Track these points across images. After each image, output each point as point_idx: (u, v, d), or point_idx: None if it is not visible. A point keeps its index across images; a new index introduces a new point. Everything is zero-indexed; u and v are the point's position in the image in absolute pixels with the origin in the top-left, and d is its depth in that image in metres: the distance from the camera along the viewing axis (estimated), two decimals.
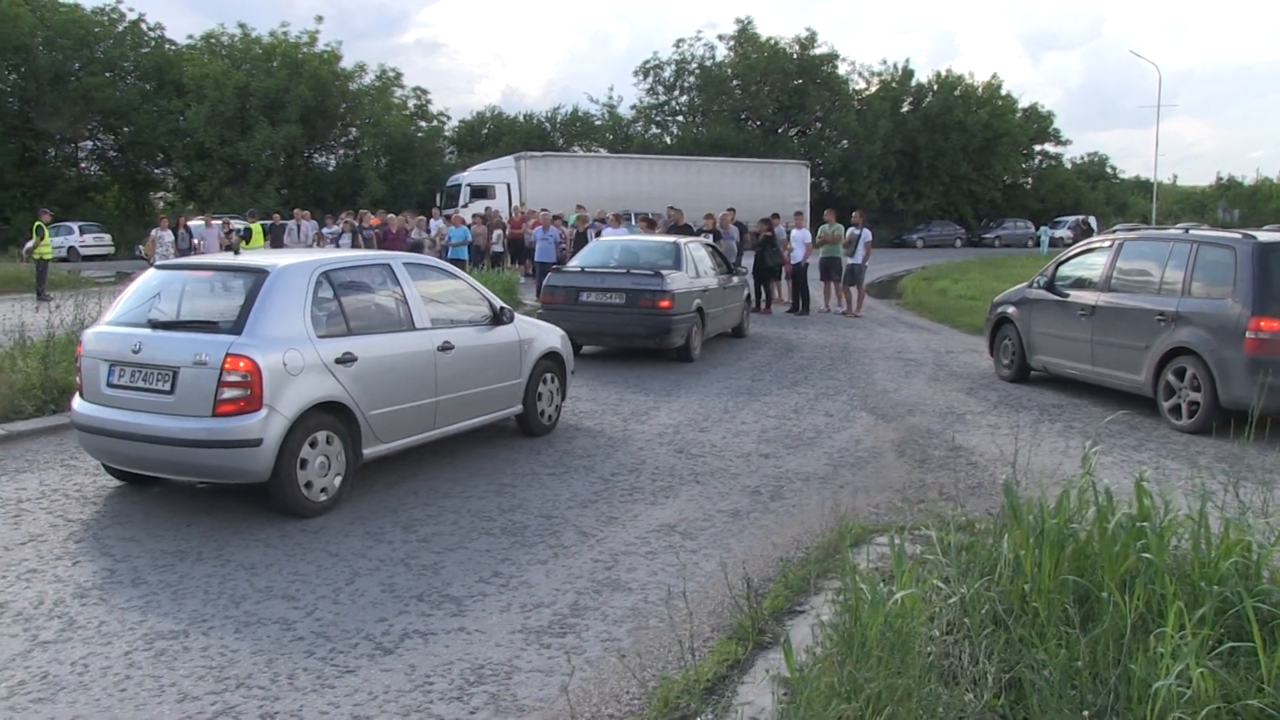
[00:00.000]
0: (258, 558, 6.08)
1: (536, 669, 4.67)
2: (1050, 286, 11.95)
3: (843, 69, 66.13)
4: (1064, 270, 11.99)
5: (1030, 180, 72.11)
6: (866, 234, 20.32)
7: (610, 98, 71.28)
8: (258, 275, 6.95)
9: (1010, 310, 12.70)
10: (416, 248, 21.50)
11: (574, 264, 15.07)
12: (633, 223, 24.38)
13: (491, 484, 7.76)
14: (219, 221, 25.66)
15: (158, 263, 8.43)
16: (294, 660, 4.74)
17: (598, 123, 64.10)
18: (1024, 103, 69.85)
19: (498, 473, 8.09)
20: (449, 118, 60.91)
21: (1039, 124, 70.57)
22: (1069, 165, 75.09)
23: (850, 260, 20.14)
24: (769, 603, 5.26)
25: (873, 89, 66.40)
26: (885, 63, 76.08)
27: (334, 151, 55.95)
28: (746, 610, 5.04)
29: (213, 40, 54.17)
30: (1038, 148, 72.06)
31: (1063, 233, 52.26)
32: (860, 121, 61.79)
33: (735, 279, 16.39)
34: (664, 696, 4.27)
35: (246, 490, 6.93)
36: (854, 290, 20.51)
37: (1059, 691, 3.62)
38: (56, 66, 48.18)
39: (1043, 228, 53.46)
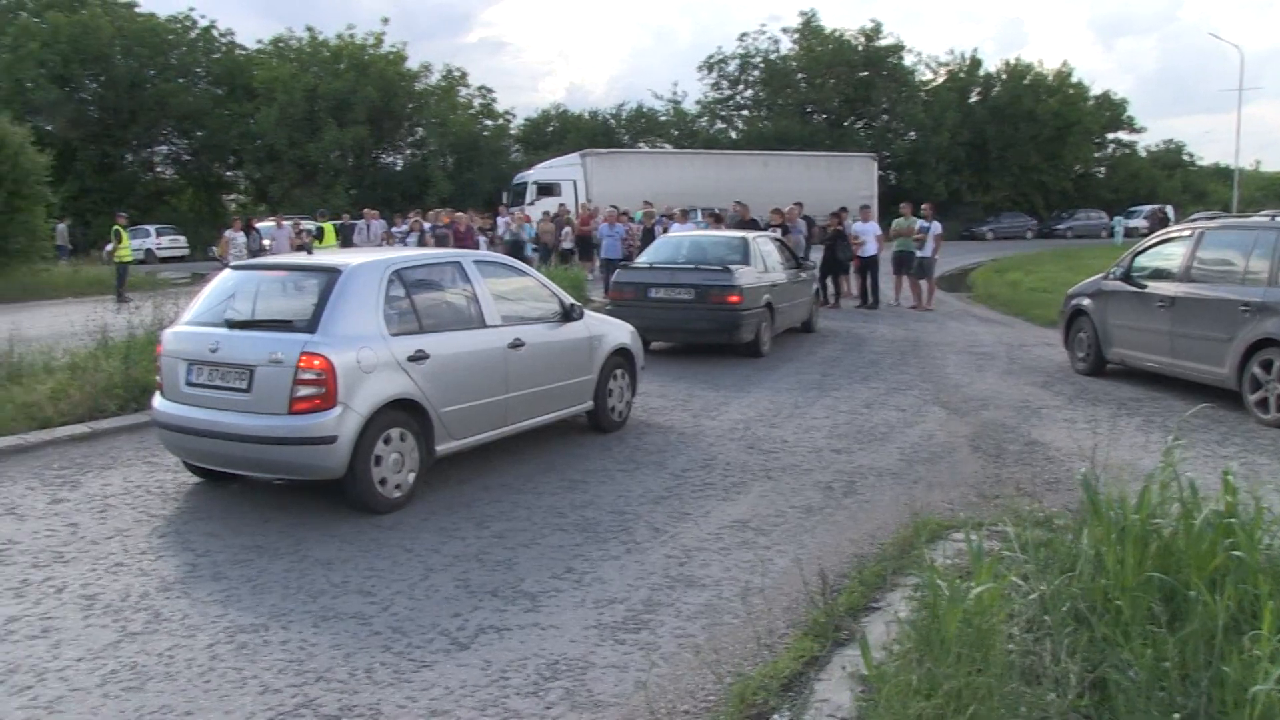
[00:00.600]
0: (334, 553, 6.17)
1: (611, 664, 4.67)
2: (1127, 278, 11.72)
3: (909, 60, 65.53)
4: (1141, 261, 11.75)
5: (1103, 170, 70.75)
6: (936, 226, 20.10)
7: (674, 93, 71.28)
8: (330, 274, 7.03)
9: (1085, 302, 12.47)
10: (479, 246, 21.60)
11: (642, 260, 15.07)
12: (699, 218, 24.30)
13: (563, 480, 7.79)
14: (289, 222, 26.05)
15: (233, 263, 8.58)
16: (371, 654, 4.79)
17: (662, 119, 64.14)
18: (1096, 90, 68.58)
19: (569, 469, 8.11)
20: (514, 116, 61.39)
21: (1111, 112, 69.13)
22: (1144, 153, 73.54)
23: (920, 253, 19.92)
24: (845, 599, 5.20)
25: (940, 80, 65.62)
26: (952, 53, 75.01)
27: (401, 151, 56.62)
28: (822, 607, 5.00)
29: (281, 44, 55.21)
30: (1110, 136, 70.62)
31: (1137, 223, 51.01)
32: (927, 113, 61.09)
33: (804, 273, 16.29)
34: (740, 693, 4.25)
35: (322, 487, 7.01)
36: (924, 284, 20.29)
37: (1146, 693, 3.53)
38: (133, 74, 49.42)
39: (1116, 218, 52.22)
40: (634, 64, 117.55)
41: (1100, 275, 12.58)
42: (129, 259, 24.73)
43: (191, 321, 7.39)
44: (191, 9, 52.99)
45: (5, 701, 4.41)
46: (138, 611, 5.34)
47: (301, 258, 8.11)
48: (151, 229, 43.06)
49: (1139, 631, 3.88)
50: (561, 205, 29.53)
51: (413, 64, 55.02)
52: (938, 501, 7.12)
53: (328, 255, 8.82)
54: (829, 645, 4.71)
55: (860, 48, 63.50)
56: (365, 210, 27.13)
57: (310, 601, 5.44)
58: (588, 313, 9.19)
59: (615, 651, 4.82)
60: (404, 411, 6.95)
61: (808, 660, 4.57)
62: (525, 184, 38.96)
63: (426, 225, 23.63)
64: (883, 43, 63.86)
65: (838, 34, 63.67)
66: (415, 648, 4.86)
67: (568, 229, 24.37)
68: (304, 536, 6.47)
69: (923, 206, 21.03)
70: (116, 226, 24.70)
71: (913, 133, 62.38)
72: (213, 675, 4.61)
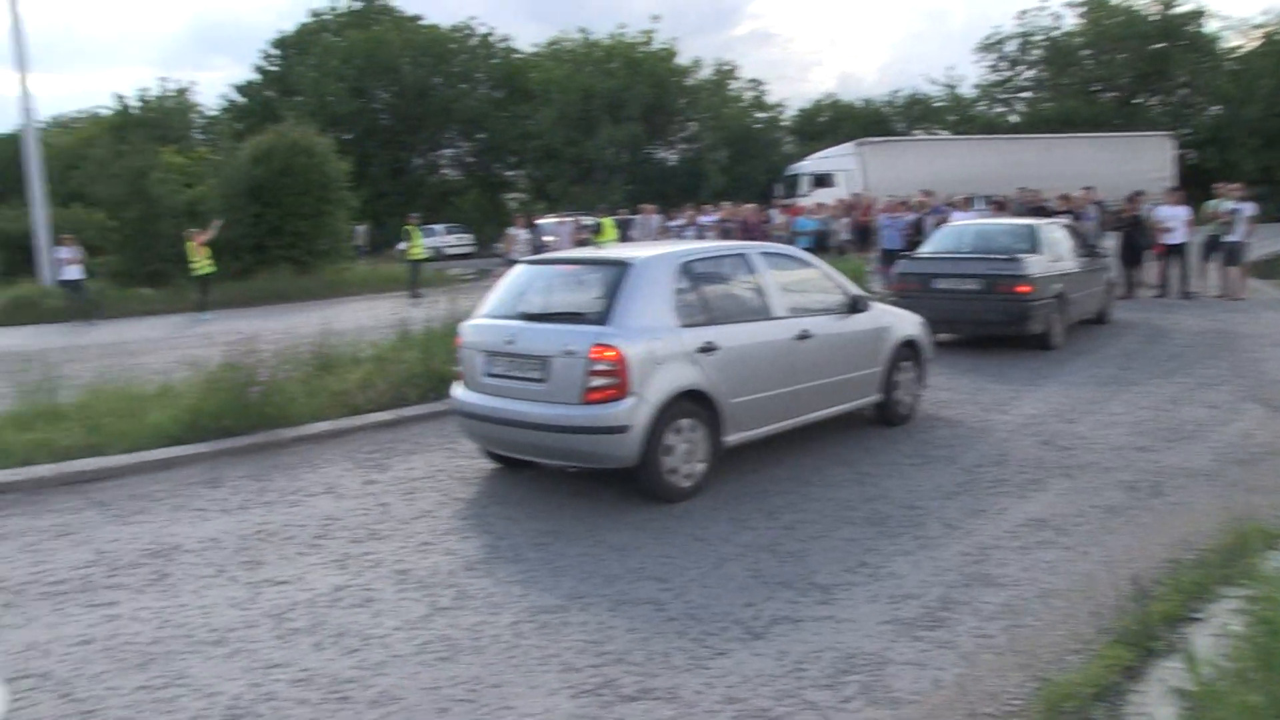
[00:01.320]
0: (627, 539, 6.29)
1: (909, 661, 4.55)
2: None
3: (1212, 26, 60.39)
4: None
5: None
6: (1248, 208, 18.49)
7: (950, 77, 68.85)
8: (621, 268, 7.16)
9: None
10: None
11: (926, 250, 14.65)
12: (981, 206, 23.37)
13: (852, 473, 7.65)
14: (570, 219, 26.89)
15: (526, 258, 8.89)
16: (667, 640, 4.84)
17: (938, 104, 62.11)
18: None
19: (857, 462, 7.96)
20: (785, 107, 61.07)
21: None
22: None
23: (1230, 238, 18.39)
24: (1159, 607, 4.84)
25: (1251, 45, 60.13)
26: (1267, 13, 68.25)
27: (674, 147, 57.48)
28: (1136, 614, 4.69)
29: (555, 46, 57.11)
30: None
31: None
32: (1235, 83, 56.03)
33: (1097, 262, 15.39)
34: (1049, 699, 4.04)
35: (613, 475, 7.16)
36: (1233, 270, 18.73)
37: None
38: (420, 83, 52.60)
39: None
40: (906, 49, 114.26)
41: None
42: (421, 256, 26.14)
43: (488, 315, 7.71)
44: (472, 18, 56.17)
45: (339, 660, 4.77)
46: (446, 588, 5.62)
47: (592, 252, 8.31)
48: (440, 228, 45.52)
49: None
50: (857, 194, 28.97)
51: (683, 59, 55.81)
52: (1261, 507, 6.52)
53: (616, 248, 9.01)
54: (1144, 655, 4.40)
55: (1154, 18, 59.20)
56: (641, 206, 27.67)
57: (606, 586, 5.56)
58: (875, 304, 9.00)
59: (912, 648, 4.68)
60: (693, 402, 7.00)
61: (1121, 670, 4.28)
62: (799, 175, 38.73)
63: (705, 219, 23.84)
64: (1180, 9, 59.24)
65: (1128, 5, 59.72)
66: (710, 635, 4.88)
67: (846, 219, 23.96)
68: (597, 523, 6.63)
69: (1231, 187, 19.41)
70: (408, 226, 26.14)
71: (1217, 106, 57.53)
72: (517, 651, 4.78)
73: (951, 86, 62.01)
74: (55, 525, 6.99)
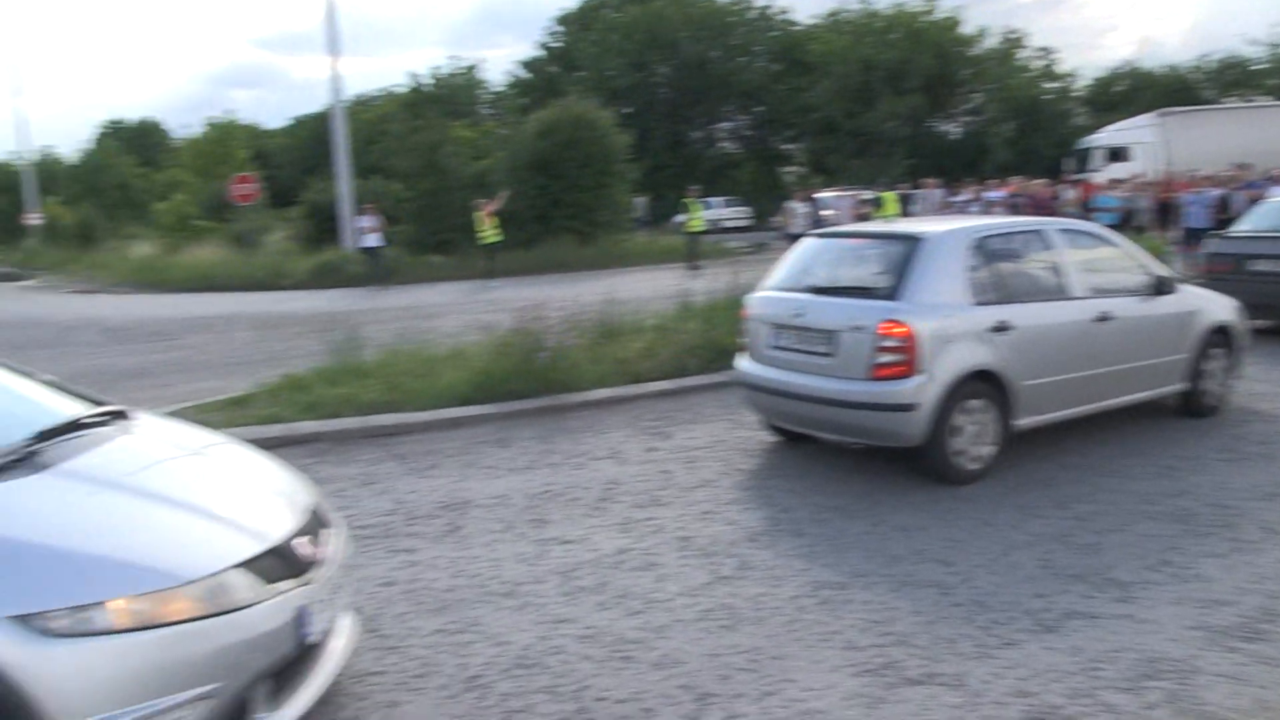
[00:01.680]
0: (909, 520, 6.17)
1: (1223, 674, 4.24)
2: None
3: None
4: None
5: None
6: None
7: (1275, 35, 62.48)
8: (912, 242, 7.00)
9: None
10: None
11: (1241, 228, 13.55)
12: None
13: (1152, 465, 7.20)
14: (850, 193, 26.52)
15: (813, 231, 8.84)
16: (953, 625, 4.74)
17: (1256, 67, 56.66)
18: None
19: (1157, 454, 7.48)
20: (1077, 76, 57.72)
21: None
22: None
23: None
24: None
25: None
26: None
27: (957, 119, 55.54)
28: None
29: (835, 17, 56.21)
30: None
31: None
32: None
33: None
34: None
35: (893, 453, 7.05)
36: None
37: None
38: (699, 57, 53.11)
39: None
40: (1216, 7, 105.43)
41: None
42: (699, 229, 26.43)
43: (776, 287, 7.71)
44: None
45: (622, 620, 4.92)
46: (727, 558, 5.69)
47: (882, 225, 8.17)
48: (717, 200, 45.86)
49: None
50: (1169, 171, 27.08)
51: (967, 28, 53.75)
52: None
53: (907, 223, 8.82)
54: None
55: None
56: (923, 180, 26.97)
57: (889, 565, 5.49)
58: (1184, 286, 8.42)
59: (1227, 660, 4.36)
60: (984, 383, 6.78)
61: None
62: (1091, 149, 36.61)
63: (991, 194, 22.97)
64: None
65: None
66: (998, 624, 4.74)
67: (1147, 196, 22.47)
68: (880, 500, 6.55)
69: None
70: (687, 199, 26.47)
71: None
72: (798, 626, 4.79)
73: (1274, 45, 56.17)
74: (360, 474, 7.53)
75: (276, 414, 8.92)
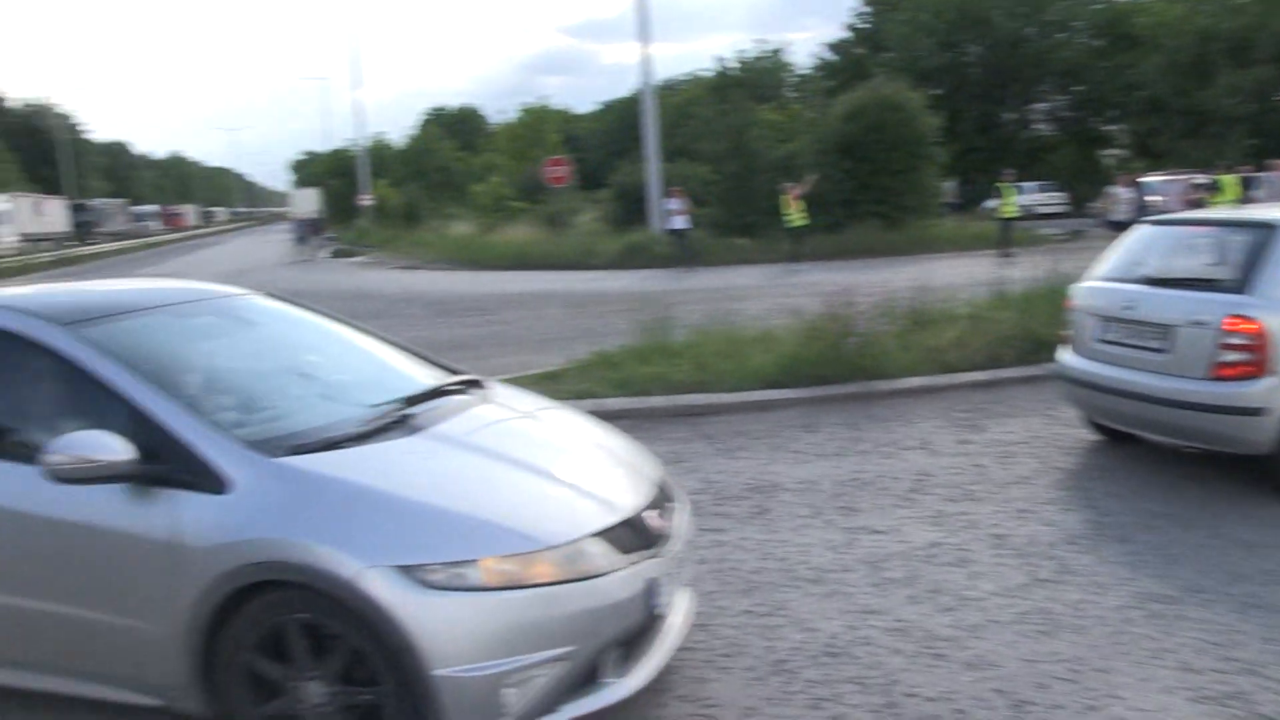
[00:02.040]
0: (1255, 535, 5.65)
1: None
2: None
3: None
4: None
5: None
6: None
7: None
8: (1265, 230, 6.38)
9: None
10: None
11: None
12: None
13: None
14: (1181, 177, 24.68)
15: (1145, 218, 8.26)
16: None
17: None
18: None
19: None
20: None
21: None
22: None
23: None
24: None
25: None
26: None
27: None
28: None
29: None
30: None
31: None
32: None
33: None
34: None
35: (1230, 460, 6.49)
36: None
37: None
38: (1013, 34, 50.67)
39: None
40: None
41: None
42: (1012, 215, 25.35)
43: (1105, 277, 7.26)
44: None
45: (934, 616, 4.80)
46: (1046, 559, 5.42)
47: (1229, 212, 7.53)
48: (1030, 185, 43.82)
49: None
50: None
51: None
52: None
53: (1255, 209, 8.09)
54: None
55: None
56: (1269, 161, 24.65)
57: (1230, 583, 5.05)
58: None
59: None
60: None
61: None
62: None
63: None
64: None
65: None
66: None
67: None
68: (1219, 511, 6.03)
69: None
70: (1001, 184, 25.45)
71: None
72: (1124, 638, 4.50)
73: None
74: (669, 452, 7.63)
75: (589, 389, 9.26)
